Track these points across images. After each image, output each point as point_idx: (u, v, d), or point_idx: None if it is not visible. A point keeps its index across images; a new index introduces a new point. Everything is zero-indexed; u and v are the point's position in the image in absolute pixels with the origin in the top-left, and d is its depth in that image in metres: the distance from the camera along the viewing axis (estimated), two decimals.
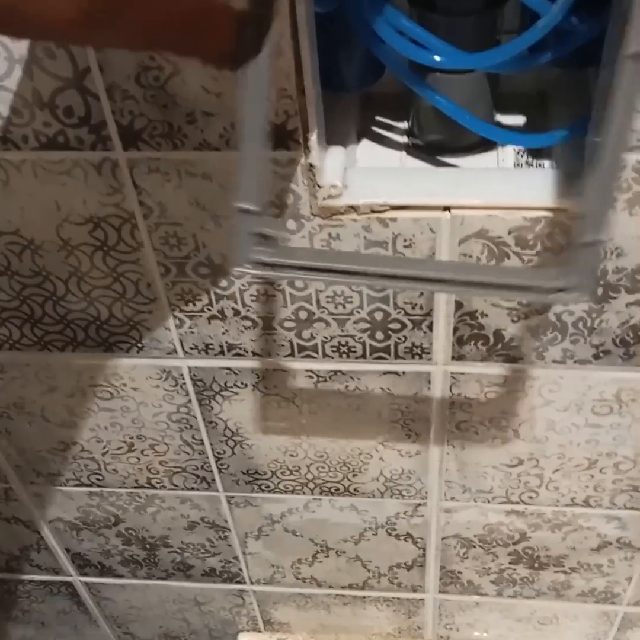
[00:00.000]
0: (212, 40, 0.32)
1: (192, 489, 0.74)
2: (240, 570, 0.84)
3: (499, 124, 0.54)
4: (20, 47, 0.44)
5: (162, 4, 0.30)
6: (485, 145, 0.52)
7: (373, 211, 0.49)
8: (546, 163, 0.52)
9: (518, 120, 0.54)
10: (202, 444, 0.70)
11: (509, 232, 0.49)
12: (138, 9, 0.29)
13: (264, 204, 0.40)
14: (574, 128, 0.47)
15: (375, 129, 0.54)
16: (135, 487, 0.75)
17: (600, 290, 0.52)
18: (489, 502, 0.71)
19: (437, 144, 0.53)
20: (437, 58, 0.44)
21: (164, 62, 0.44)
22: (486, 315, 0.55)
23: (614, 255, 0.50)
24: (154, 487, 0.75)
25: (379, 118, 0.55)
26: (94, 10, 0.27)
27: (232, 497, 0.75)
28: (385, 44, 0.43)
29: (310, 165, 0.47)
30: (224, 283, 0.56)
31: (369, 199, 0.49)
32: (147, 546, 0.83)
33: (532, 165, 0.52)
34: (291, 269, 0.41)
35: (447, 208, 0.49)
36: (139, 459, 0.72)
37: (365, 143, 0.54)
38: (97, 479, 0.75)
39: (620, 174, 0.41)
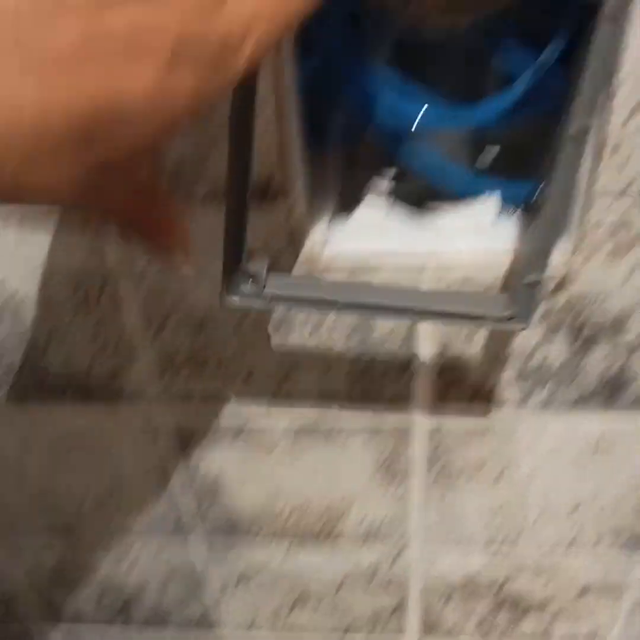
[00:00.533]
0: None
1: (170, 538, 0.73)
2: (219, 619, 0.83)
3: (479, 173, 0.54)
4: None
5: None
6: (465, 196, 0.52)
7: (354, 266, 0.49)
8: (521, 216, 0.53)
9: (499, 167, 0.55)
10: (181, 494, 0.69)
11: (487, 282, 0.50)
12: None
13: (249, 249, 0.43)
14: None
15: (359, 184, 0.55)
16: (113, 539, 0.74)
17: (580, 339, 0.52)
18: (470, 547, 0.70)
19: (418, 197, 0.53)
20: (417, 117, 0.45)
21: None
22: (468, 361, 0.55)
23: (596, 303, 0.50)
24: (133, 539, 0.73)
25: (363, 173, 0.56)
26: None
27: (212, 546, 0.74)
28: (369, 105, 0.44)
29: (294, 220, 0.48)
30: (203, 335, 0.55)
31: (350, 253, 0.49)
32: (123, 597, 0.81)
33: (509, 218, 0.53)
34: (273, 300, 0.45)
35: (428, 261, 0.49)
36: (117, 509, 0.71)
37: (349, 197, 0.54)
38: (74, 532, 0.73)
39: (561, 227, 0.42)
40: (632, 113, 0.41)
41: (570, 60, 0.42)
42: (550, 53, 0.42)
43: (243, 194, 0.40)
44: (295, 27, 0.29)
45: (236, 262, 0.43)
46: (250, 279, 0.44)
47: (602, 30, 0.34)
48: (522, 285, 0.42)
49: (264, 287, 0.44)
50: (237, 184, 0.40)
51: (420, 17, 0.41)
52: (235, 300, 0.44)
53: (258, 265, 0.44)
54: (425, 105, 0.44)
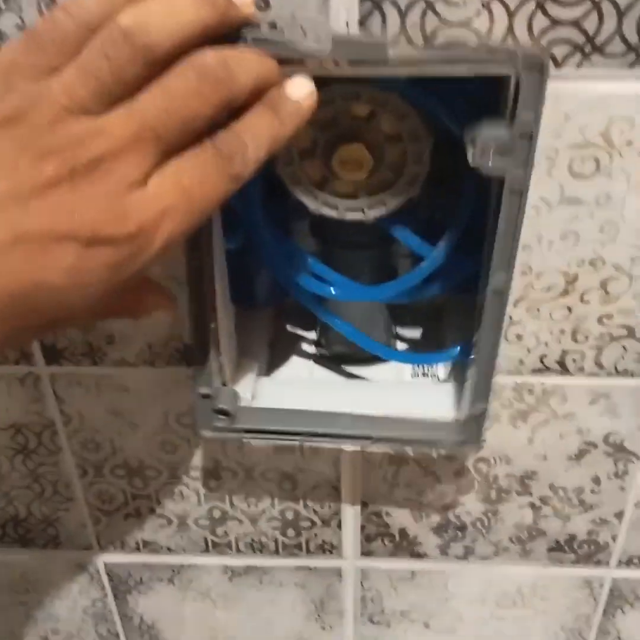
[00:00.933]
0: None
1: None
2: None
3: (397, 335, 0.59)
4: None
5: None
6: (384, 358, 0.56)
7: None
8: (440, 371, 0.56)
9: (415, 332, 0.59)
10: (118, 637, 0.69)
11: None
12: None
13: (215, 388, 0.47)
14: (463, 348, 0.52)
15: (286, 339, 0.59)
16: None
17: (494, 493, 0.56)
18: None
19: (342, 355, 0.57)
20: (333, 291, 0.49)
21: None
22: (390, 514, 0.58)
23: (503, 462, 0.54)
24: None
25: (289, 329, 0.60)
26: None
27: None
28: (289, 274, 0.48)
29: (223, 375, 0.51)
30: (139, 483, 0.58)
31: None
32: None
33: (427, 374, 0.57)
34: (244, 432, 0.49)
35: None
36: None
37: (277, 353, 0.58)
38: None
39: (489, 387, 0.46)
40: (517, 301, 0.46)
41: (467, 246, 0.47)
42: (450, 236, 0.46)
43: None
44: (210, 213, 0.34)
45: (205, 397, 0.48)
46: (222, 414, 0.48)
47: (507, 201, 0.38)
48: (470, 415, 0.47)
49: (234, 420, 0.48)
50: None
51: (333, 206, 0.45)
52: (207, 433, 0.49)
53: (229, 401, 0.48)
54: (341, 280, 0.49)
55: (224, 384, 0.48)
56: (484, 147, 0.37)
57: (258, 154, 0.33)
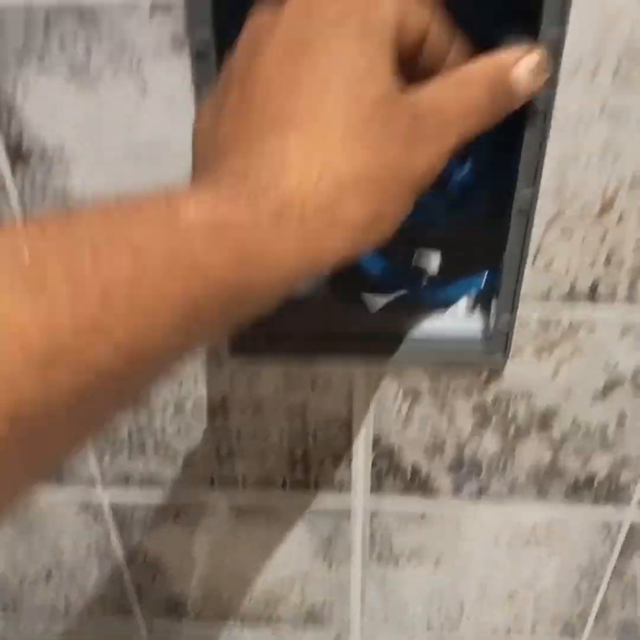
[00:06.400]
0: None
1: (112, 618, 0.72)
2: None
3: (418, 267, 0.56)
4: None
5: None
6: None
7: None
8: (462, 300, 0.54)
9: (437, 261, 0.56)
10: (122, 573, 0.68)
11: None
12: None
13: None
14: (491, 275, 0.49)
15: None
16: (52, 617, 0.73)
17: (512, 430, 0.54)
18: (411, 631, 0.70)
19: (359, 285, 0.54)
20: None
21: None
22: (403, 451, 0.56)
23: (525, 397, 0.51)
24: (73, 617, 0.72)
25: None
26: None
27: (153, 626, 0.73)
28: None
29: None
30: (144, 418, 0.56)
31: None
32: None
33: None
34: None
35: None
36: (56, 589, 0.70)
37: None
38: (14, 609, 0.72)
39: (517, 300, 0.45)
40: (549, 223, 0.43)
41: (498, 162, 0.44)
42: (479, 152, 0.44)
43: None
44: None
45: None
46: None
47: (531, 120, 0.37)
48: (496, 330, 0.46)
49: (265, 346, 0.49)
50: None
51: None
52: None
53: None
54: None
55: None
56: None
57: None
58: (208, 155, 0.31)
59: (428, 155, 0.31)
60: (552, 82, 0.35)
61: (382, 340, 0.49)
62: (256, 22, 0.32)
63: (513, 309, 0.45)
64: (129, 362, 0.25)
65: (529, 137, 0.38)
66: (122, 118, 0.42)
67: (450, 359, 0.48)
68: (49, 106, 0.42)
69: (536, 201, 0.40)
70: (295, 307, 0.52)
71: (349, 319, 0.50)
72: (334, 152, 0.28)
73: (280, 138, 0.28)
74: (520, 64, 0.33)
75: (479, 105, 0.32)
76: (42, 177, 0.44)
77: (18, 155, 0.43)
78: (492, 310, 0.46)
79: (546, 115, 0.37)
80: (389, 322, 0.50)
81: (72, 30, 0.38)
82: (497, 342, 0.47)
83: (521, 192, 0.40)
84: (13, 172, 0.44)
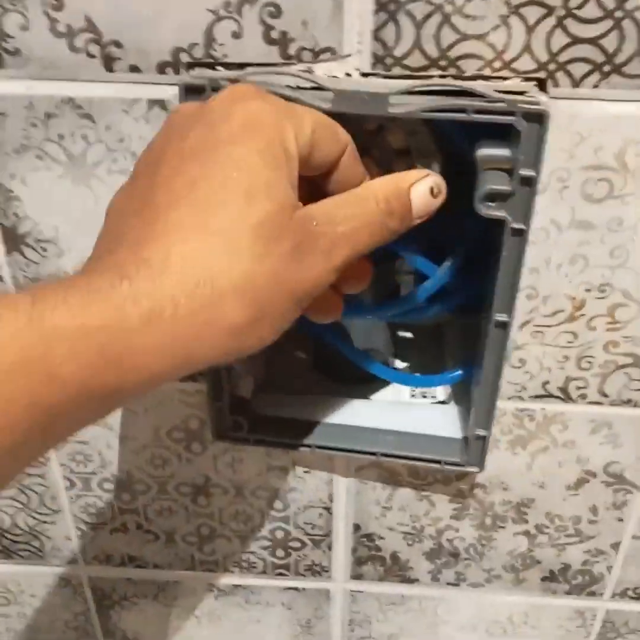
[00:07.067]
0: None
1: None
2: None
3: (396, 354, 0.57)
4: None
5: None
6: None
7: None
8: (439, 392, 0.55)
9: (414, 352, 0.58)
10: None
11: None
12: None
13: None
14: (465, 371, 0.51)
15: (281, 354, 0.57)
16: None
17: (488, 520, 0.54)
18: None
19: (340, 373, 0.56)
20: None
21: None
22: (383, 538, 0.57)
23: (500, 488, 0.53)
24: None
25: (285, 343, 0.58)
26: None
27: None
28: None
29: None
30: (127, 497, 0.56)
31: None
32: None
33: (426, 395, 0.56)
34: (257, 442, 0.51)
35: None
36: None
37: (272, 368, 0.56)
38: None
39: (493, 412, 0.46)
40: (522, 326, 0.45)
41: (472, 265, 0.46)
42: (452, 260, 0.45)
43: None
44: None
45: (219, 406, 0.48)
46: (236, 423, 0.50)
47: (509, 242, 0.39)
48: (474, 436, 0.47)
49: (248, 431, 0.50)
50: None
51: None
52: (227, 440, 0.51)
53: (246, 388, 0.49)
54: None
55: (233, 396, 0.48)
56: (484, 196, 0.37)
57: None
58: (109, 234, 0.32)
59: (315, 269, 0.31)
60: (528, 208, 0.37)
61: (362, 433, 0.50)
62: (181, 111, 0.33)
63: (488, 423, 0.46)
64: None
65: (506, 258, 0.39)
66: None
67: (428, 456, 0.49)
68: (46, 197, 0.43)
69: (513, 318, 0.41)
70: (278, 394, 0.54)
71: (332, 409, 0.52)
72: (217, 260, 0.29)
73: (167, 245, 0.29)
74: (420, 182, 0.35)
75: (373, 221, 0.33)
76: (35, 263, 0.46)
77: (13, 240, 0.45)
78: (471, 421, 0.46)
79: (522, 238, 0.38)
80: (370, 414, 0.51)
81: (70, 125, 0.41)
82: (474, 450, 0.48)
83: (499, 306, 0.41)
84: (7, 254, 0.46)
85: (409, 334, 0.58)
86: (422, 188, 0.35)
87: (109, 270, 0.28)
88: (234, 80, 0.36)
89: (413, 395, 0.56)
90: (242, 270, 0.29)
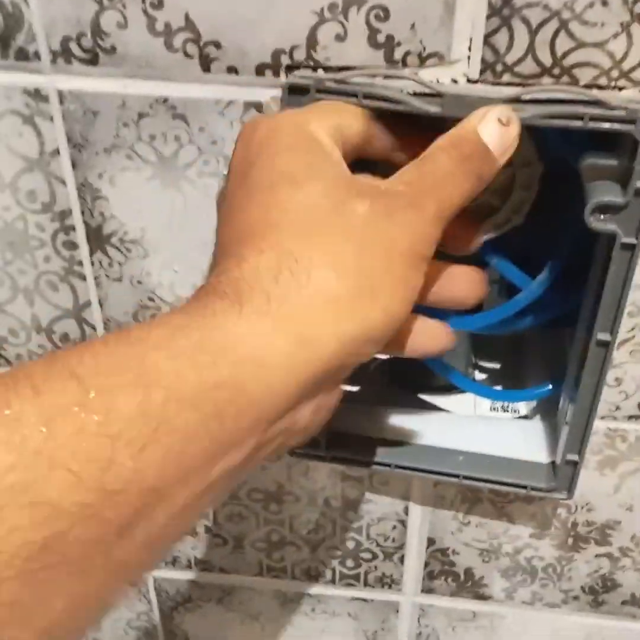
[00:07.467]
0: None
1: None
2: None
3: (476, 365, 0.56)
4: (26, 278, 0.46)
5: None
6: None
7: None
8: (521, 405, 0.54)
9: (495, 364, 0.56)
10: None
11: None
12: None
13: None
14: (552, 386, 0.49)
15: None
16: None
17: (570, 540, 0.53)
18: None
19: (417, 382, 0.54)
20: None
21: (161, 303, 0.46)
22: (458, 553, 0.55)
23: (585, 509, 0.51)
24: None
25: None
26: None
27: None
28: None
29: None
30: None
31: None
32: None
33: (507, 409, 0.54)
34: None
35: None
36: None
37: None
38: None
39: (588, 436, 0.43)
40: (621, 344, 0.43)
41: (569, 279, 0.44)
42: (548, 273, 0.44)
43: None
44: None
45: None
46: None
47: (618, 257, 0.36)
48: (564, 461, 0.44)
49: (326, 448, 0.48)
50: None
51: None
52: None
53: None
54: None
55: None
56: (595, 208, 0.35)
57: None
58: (232, 236, 0.32)
59: (409, 223, 0.31)
60: (638, 229, 0.35)
61: (443, 453, 0.48)
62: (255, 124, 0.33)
63: (581, 447, 0.43)
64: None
65: (614, 275, 0.37)
66: (203, 217, 0.43)
67: (514, 480, 0.47)
68: (133, 198, 0.43)
69: (616, 336, 0.39)
70: (353, 405, 0.53)
71: (410, 424, 0.50)
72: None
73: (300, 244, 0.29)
74: (484, 119, 0.33)
75: (451, 171, 0.32)
76: (118, 264, 0.45)
77: (97, 239, 0.44)
78: (561, 444, 0.44)
79: (634, 253, 0.36)
80: (450, 431, 0.50)
81: (163, 125, 0.40)
82: (564, 476, 0.45)
83: (602, 325, 0.39)
84: (91, 255, 0.45)
85: (487, 346, 0.57)
86: (489, 123, 0.33)
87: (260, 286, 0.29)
88: (339, 82, 0.34)
89: (494, 409, 0.54)
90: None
